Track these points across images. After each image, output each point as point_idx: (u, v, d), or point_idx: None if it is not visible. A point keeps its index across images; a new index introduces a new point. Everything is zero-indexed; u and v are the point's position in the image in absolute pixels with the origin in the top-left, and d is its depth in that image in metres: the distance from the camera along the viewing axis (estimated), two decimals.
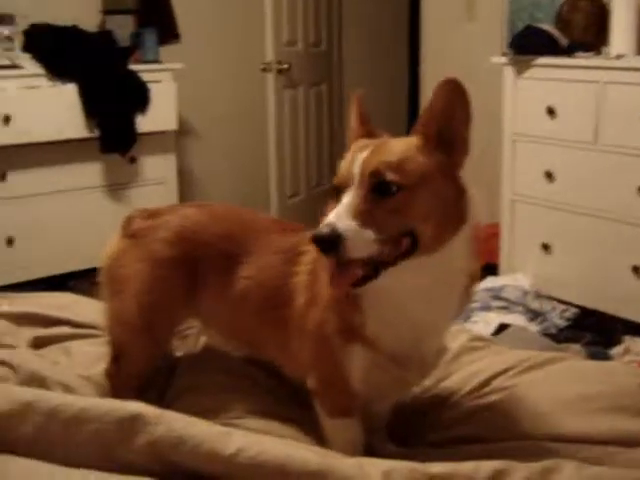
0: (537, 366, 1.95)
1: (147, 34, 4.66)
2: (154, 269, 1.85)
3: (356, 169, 1.36)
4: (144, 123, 4.43)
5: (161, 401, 1.94)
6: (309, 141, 5.79)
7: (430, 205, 1.38)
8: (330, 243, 1.27)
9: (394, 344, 1.51)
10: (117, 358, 1.96)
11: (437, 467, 1.31)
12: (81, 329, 2.34)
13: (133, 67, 4.45)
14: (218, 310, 1.89)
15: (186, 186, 5.17)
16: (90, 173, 4.43)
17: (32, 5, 4.49)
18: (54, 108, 4.16)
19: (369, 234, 1.29)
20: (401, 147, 1.41)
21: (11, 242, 4.20)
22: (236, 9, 5.43)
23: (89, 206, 4.43)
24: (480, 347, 2.13)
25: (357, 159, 1.38)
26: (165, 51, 4.87)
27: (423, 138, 1.42)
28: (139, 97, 4.38)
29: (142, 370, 1.98)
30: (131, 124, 4.35)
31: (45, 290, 3.36)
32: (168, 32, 4.98)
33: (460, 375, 1.98)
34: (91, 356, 2.13)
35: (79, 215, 4.40)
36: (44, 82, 4.21)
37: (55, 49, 4.28)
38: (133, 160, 4.53)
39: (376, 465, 1.32)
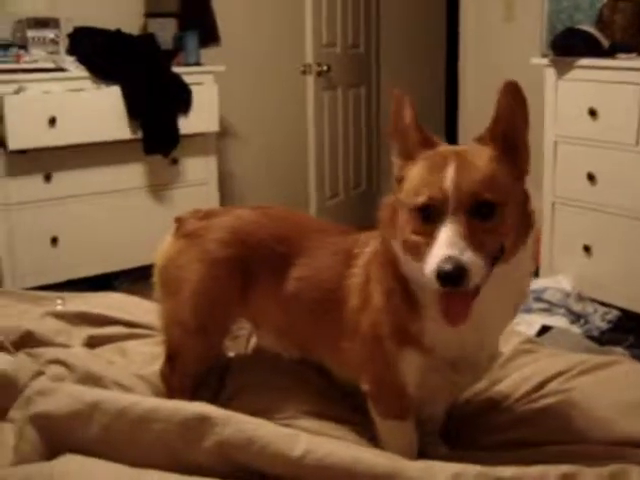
0: (592, 369, 1.94)
1: (189, 37, 4.70)
2: (209, 269, 1.86)
3: (449, 189, 1.34)
4: (186, 125, 4.47)
5: (214, 401, 1.94)
6: (348, 143, 5.81)
7: (516, 217, 1.39)
8: (457, 278, 1.26)
9: (451, 350, 1.52)
10: (172, 358, 1.98)
11: (506, 471, 1.32)
12: (135, 329, 2.37)
13: (175, 70, 4.49)
14: (270, 311, 1.90)
15: (227, 188, 5.21)
16: (133, 174, 4.48)
17: (76, 9, 4.54)
18: (98, 110, 4.21)
19: (482, 261, 1.29)
20: (484, 161, 1.40)
21: (55, 242, 4.26)
22: (276, 11, 5.45)
23: (132, 207, 4.48)
24: (533, 350, 2.13)
25: (446, 178, 1.35)
26: (206, 54, 4.91)
27: (495, 147, 1.42)
28: (182, 99, 4.42)
29: (196, 370, 2.00)
30: (173, 126, 4.39)
31: (89, 290, 3.41)
32: (209, 35, 5.01)
33: (513, 378, 1.98)
34: (146, 356, 2.16)
35: (122, 215, 4.46)
36: (88, 84, 4.27)
37: (99, 52, 4.33)
38: (175, 161, 4.57)
39: (444, 468, 1.33)
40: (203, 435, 1.40)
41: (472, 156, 1.40)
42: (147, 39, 4.58)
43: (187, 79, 4.48)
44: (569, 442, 1.63)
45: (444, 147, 1.48)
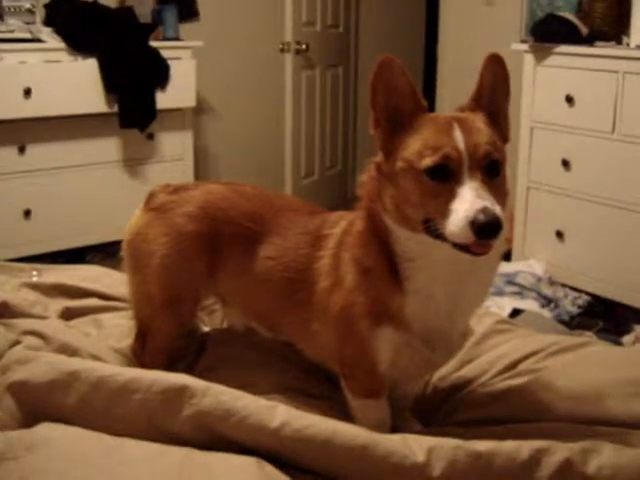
0: (565, 350, 1.96)
1: (167, 11, 4.67)
2: (176, 243, 1.83)
3: (463, 149, 1.36)
4: (163, 100, 4.44)
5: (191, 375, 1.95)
6: (324, 122, 5.80)
7: (505, 180, 1.46)
8: (494, 229, 1.28)
9: (429, 324, 1.52)
10: (142, 334, 1.97)
11: (481, 445, 1.34)
12: (111, 302, 2.36)
13: (153, 44, 4.46)
14: (239, 289, 1.88)
15: (202, 164, 5.19)
16: (108, 148, 4.44)
17: None
18: (74, 82, 4.17)
19: (503, 213, 1.32)
20: (482, 124, 1.45)
21: (29, 215, 4.22)
22: None
23: (106, 180, 4.45)
24: (507, 330, 2.15)
25: (457, 138, 1.37)
26: (185, 29, 4.88)
27: (484, 114, 1.48)
28: (159, 73, 4.39)
29: (167, 346, 1.97)
30: (150, 100, 4.36)
31: (63, 263, 3.39)
32: (188, 10, 4.99)
33: (487, 357, 2.00)
34: (122, 329, 2.15)
35: (96, 189, 4.42)
36: (65, 56, 4.22)
37: (76, 23, 4.27)
38: (151, 136, 4.54)
39: (421, 441, 1.35)
40: (182, 405, 1.41)
41: (471, 120, 1.44)
42: (125, 12, 4.53)
43: (165, 54, 4.45)
44: (541, 420, 1.65)
45: (437, 114, 1.50)
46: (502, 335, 2.11)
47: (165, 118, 4.53)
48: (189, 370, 1.99)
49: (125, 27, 4.39)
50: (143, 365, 1.93)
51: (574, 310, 3.87)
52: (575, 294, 3.98)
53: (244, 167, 5.47)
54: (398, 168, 1.42)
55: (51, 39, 4.23)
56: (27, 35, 4.19)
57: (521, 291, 3.91)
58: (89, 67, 4.22)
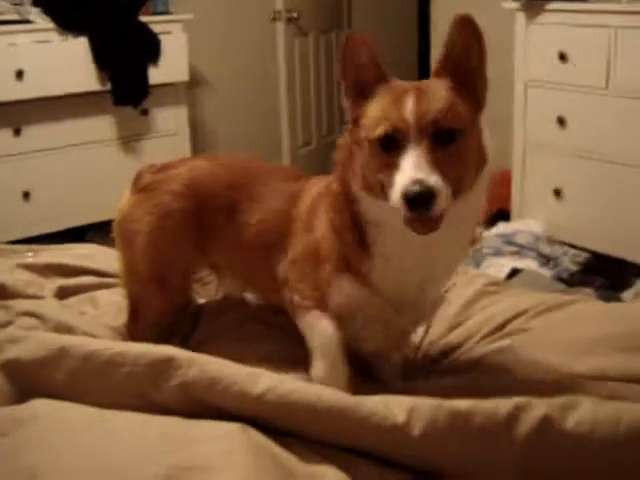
0: (553, 308, 1.97)
1: None
2: (162, 221, 1.86)
3: (411, 118, 1.34)
4: (155, 75, 4.44)
5: (185, 348, 1.97)
6: (320, 90, 5.79)
7: (475, 148, 1.41)
8: (426, 200, 1.26)
9: (398, 290, 1.53)
10: (134, 311, 1.99)
11: (461, 404, 1.35)
12: (106, 278, 2.38)
13: (143, 19, 4.45)
14: (230, 258, 1.91)
15: (199, 137, 5.19)
16: (103, 126, 4.45)
17: None
18: (66, 62, 4.17)
19: (447, 186, 1.30)
20: (442, 91, 1.40)
21: (27, 196, 4.25)
22: None
23: (103, 159, 4.46)
24: (496, 291, 2.16)
25: (405, 107, 1.36)
26: (174, 2, 4.85)
27: (451, 80, 1.43)
28: (150, 49, 4.38)
29: (159, 322, 2.00)
30: (143, 76, 4.36)
31: (62, 243, 3.41)
32: None
33: (475, 320, 2.01)
34: (118, 305, 2.17)
35: (93, 168, 4.44)
36: (55, 36, 4.22)
37: (65, 2, 4.27)
38: (145, 112, 4.55)
39: (401, 402, 1.37)
40: (168, 376, 1.43)
41: (429, 87, 1.41)
42: None
43: (155, 28, 4.45)
44: (527, 379, 1.65)
45: (398, 83, 1.48)
46: (491, 297, 2.12)
47: (158, 93, 4.52)
48: (183, 344, 2.00)
49: (114, 3, 4.37)
50: (135, 341, 1.95)
51: (574, 268, 3.87)
52: (574, 252, 3.99)
53: (241, 139, 5.47)
54: (361, 136, 1.44)
55: (40, 19, 4.22)
56: (16, 16, 4.18)
57: (520, 251, 3.92)
58: (80, 46, 4.21)
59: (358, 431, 1.34)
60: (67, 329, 1.92)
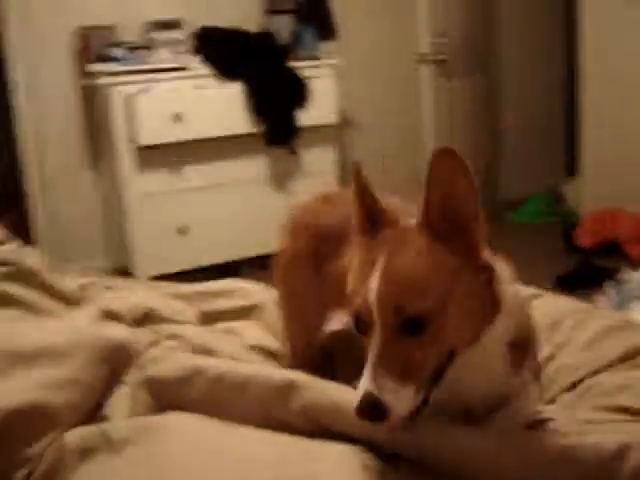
0: None
1: (306, 32, 4.86)
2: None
3: (374, 304, 1.14)
4: (306, 117, 4.64)
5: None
6: (466, 133, 5.82)
7: (463, 316, 1.18)
8: (376, 417, 1.13)
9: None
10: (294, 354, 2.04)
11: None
12: (248, 311, 2.50)
13: (294, 64, 4.67)
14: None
15: (345, 177, 5.32)
16: (256, 165, 4.68)
17: (199, 9, 4.78)
18: (222, 106, 4.44)
19: (410, 387, 1.13)
20: (414, 261, 1.17)
21: (183, 231, 4.51)
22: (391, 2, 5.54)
23: (255, 196, 4.70)
24: (626, 327, 2.10)
25: (371, 288, 1.15)
26: (325, 48, 5.06)
27: (431, 232, 1.19)
28: (299, 93, 4.58)
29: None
30: (292, 118, 4.56)
31: (217, 277, 3.58)
32: (326, 29, 5.15)
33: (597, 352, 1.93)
34: (258, 335, 2.28)
35: (246, 204, 4.68)
36: (212, 82, 4.50)
37: (222, 50, 4.55)
38: (295, 152, 4.74)
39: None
40: (291, 399, 1.51)
41: (402, 260, 1.17)
42: (266, 36, 4.75)
43: (306, 73, 4.65)
44: None
45: (385, 232, 1.25)
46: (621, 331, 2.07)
47: (309, 134, 4.71)
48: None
49: (267, 50, 4.62)
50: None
51: None
52: None
53: (387, 179, 5.54)
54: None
55: (199, 67, 4.51)
56: (176, 64, 4.49)
57: None
58: (235, 91, 4.46)
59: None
60: (207, 351, 2.04)
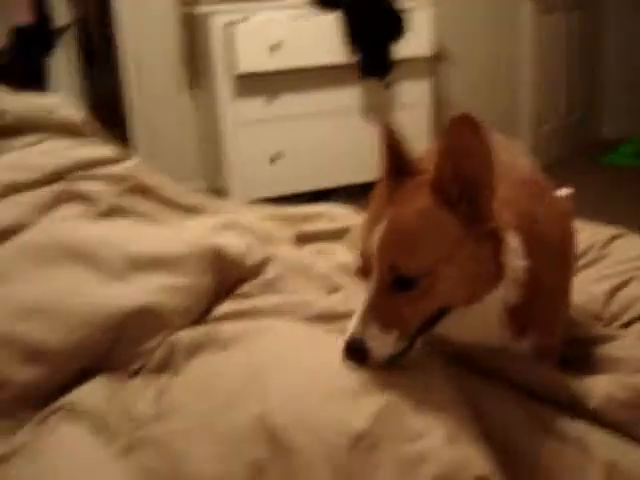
0: None
1: None
2: None
3: (374, 253, 1.20)
4: (401, 49, 4.62)
5: None
6: (561, 68, 5.72)
7: (458, 279, 1.21)
8: (358, 357, 1.21)
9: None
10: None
11: None
12: (339, 233, 2.57)
13: None
14: None
15: (440, 110, 5.32)
16: (349, 96, 4.72)
17: None
18: (318, 36, 4.47)
19: (393, 335, 1.20)
20: (414, 222, 1.19)
21: (276, 158, 4.61)
22: None
23: (348, 127, 4.73)
24: None
25: (374, 240, 1.21)
26: None
27: (440, 196, 1.20)
28: (396, 25, 4.57)
29: None
30: (388, 51, 4.56)
31: (307, 204, 3.66)
32: None
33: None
34: (347, 256, 2.35)
35: (338, 135, 4.72)
36: (309, 12, 4.53)
37: None
38: (389, 85, 4.75)
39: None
40: None
41: (406, 219, 1.20)
42: None
43: (404, 3, 4.63)
44: None
45: (405, 185, 1.26)
46: None
47: (403, 67, 4.71)
48: None
49: None
50: None
51: None
52: None
53: (481, 113, 5.51)
54: None
55: None
56: None
57: None
58: (331, 21, 4.48)
59: None
60: (302, 268, 2.06)
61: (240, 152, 4.55)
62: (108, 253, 1.63)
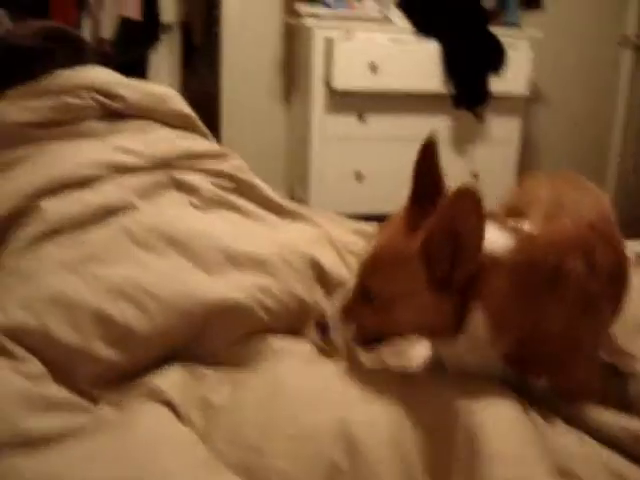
0: None
1: None
2: None
3: (362, 260, 1.36)
4: (496, 85, 4.61)
5: None
6: None
7: (409, 316, 1.31)
8: (320, 330, 1.43)
9: None
10: None
11: None
12: None
13: (493, 29, 4.63)
14: None
15: (529, 149, 5.29)
16: (439, 126, 4.70)
17: None
18: (416, 61, 4.48)
19: (350, 328, 1.38)
20: (394, 257, 1.29)
21: (362, 177, 4.65)
22: None
23: None
24: None
25: (367, 250, 1.35)
26: (524, 17, 5.01)
27: (424, 252, 1.24)
28: (496, 58, 4.56)
29: None
30: (485, 84, 4.56)
31: None
32: None
33: None
34: None
35: None
36: (410, 37, 4.54)
37: (424, 6, 4.58)
38: (481, 118, 4.75)
39: None
40: None
41: (389, 250, 1.31)
42: None
43: (503, 40, 4.60)
44: None
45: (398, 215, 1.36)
46: None
47: (496, 102, 4.69)
48: None
49: (469, 11, 4.61)
50: None
51: None
52: None
53: (568, 158, 5.48)
54: None
55: (399, 20, 4.57)
56: (378, 15, 4.59)
57: None
58: (431, 48, 4.49)
59: None
60: None
61: (326, 166, 4.60)
62: (207, 246, 1.64)
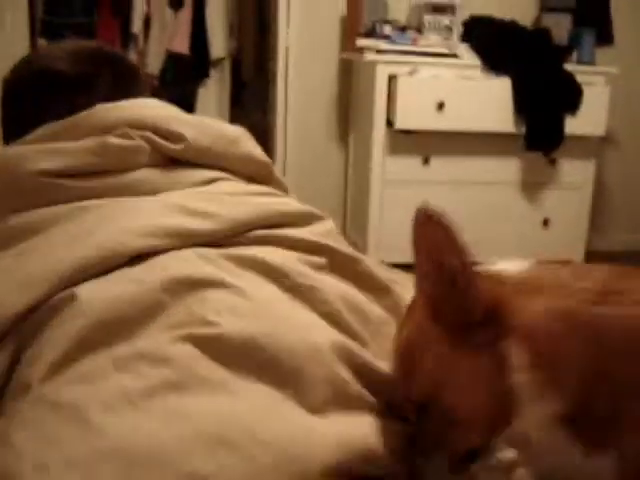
0: None
1: (585, 34, 4.50)
2: None
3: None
4: (571, 125, 4.29)
5: None
6: None
7: (461, 405, 0.98)
8: None
9: None
10: None
11: None
12: None
13: (567, 67, 4.32)
14: None
15: (600, 195, 4.95)
16: (509, 168, 4.40)
17: None
18: (485, 100, 4.17)
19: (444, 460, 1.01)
20: (413, 342, 1.01)
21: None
22: None
23: (503, 199, 4.41)
24: None
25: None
26: (598, 54, 4.68)
27: (427, 304, 0.98)
28: (571, 98, 4.25)
29: None
30: (559, 125, 4.24)
31: None
32: (604, 34, 4.79)
33: None
34: None
35: (492, 207, 4.39)
36: (478, 73, 4.24)
37: (492, 42, 4.30)
38: (553, 161, 4.42)
39: None
40: None
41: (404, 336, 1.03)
42: (541, 33, 4.45)
43: (578, 78, 4.29)
44: None
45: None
46: None
47: (570, 144, 4.36)
48: None
49: (540, 49, 4.32)
50: None
51: None
52: None
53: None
54: None
55: (466, 55, 4.27)
56: (444, 50, 4.28)
57: None
58: (501, 86, 4.19)
59: None
60: None
61: (386, 212, 4.27)
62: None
